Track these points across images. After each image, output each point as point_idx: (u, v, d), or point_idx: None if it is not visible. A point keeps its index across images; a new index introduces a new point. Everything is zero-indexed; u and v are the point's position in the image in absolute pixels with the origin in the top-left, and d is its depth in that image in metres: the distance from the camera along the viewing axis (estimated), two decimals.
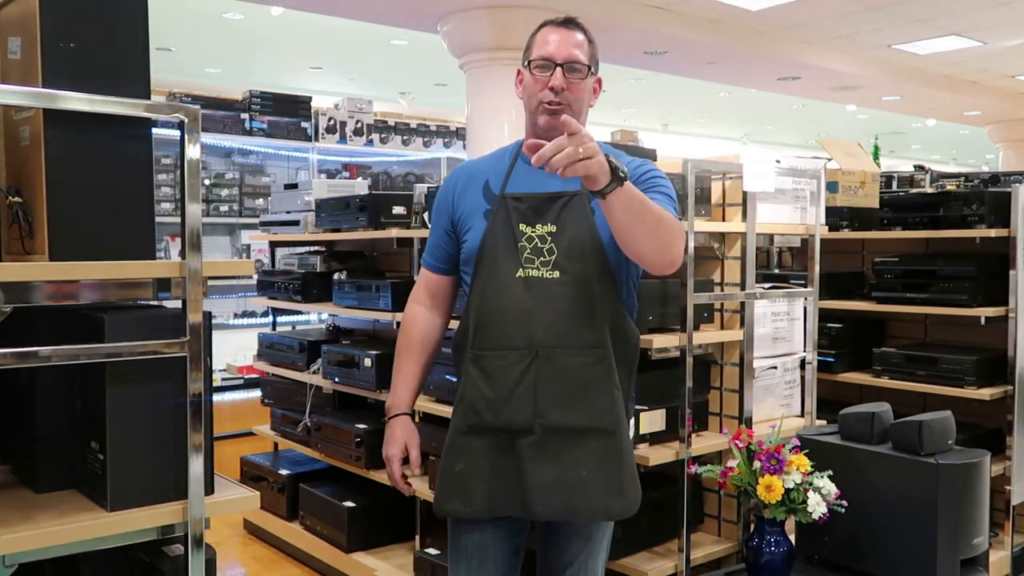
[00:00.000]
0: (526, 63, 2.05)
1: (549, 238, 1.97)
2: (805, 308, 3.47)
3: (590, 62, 2.03)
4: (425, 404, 3.32)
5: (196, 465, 1.77)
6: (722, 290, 3.19)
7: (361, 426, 3.64)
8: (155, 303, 1.87)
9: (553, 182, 1.92)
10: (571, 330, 1.94)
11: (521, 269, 1.97)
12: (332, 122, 6.95)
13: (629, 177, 1.74)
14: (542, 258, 1.97)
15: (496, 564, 2.05)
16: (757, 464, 2.69)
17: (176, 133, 1.75)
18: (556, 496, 1.91)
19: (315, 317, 5.94)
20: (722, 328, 3.20)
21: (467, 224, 2.06)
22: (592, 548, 2.08)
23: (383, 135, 7.29)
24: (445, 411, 3.10)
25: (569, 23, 2.05)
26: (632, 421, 2.08)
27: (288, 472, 4.20)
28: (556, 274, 1.95)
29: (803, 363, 3.46)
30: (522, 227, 1.98)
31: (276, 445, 4.53)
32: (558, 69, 1.98)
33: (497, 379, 1.94)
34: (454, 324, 2.15)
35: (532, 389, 1.92)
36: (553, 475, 1.91)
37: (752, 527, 2.87)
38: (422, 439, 2.17)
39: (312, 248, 4.48)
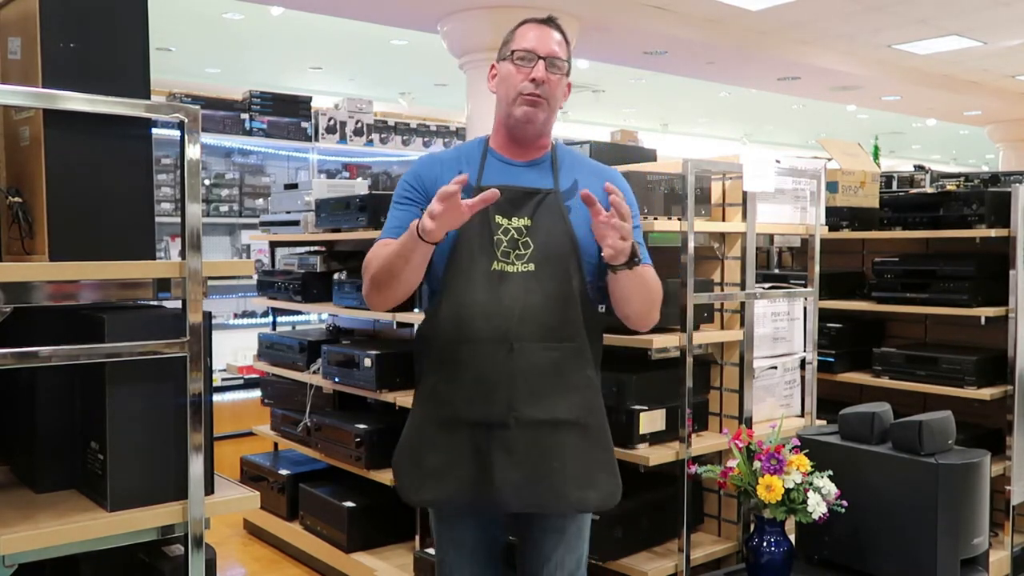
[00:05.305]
0: (507, 55, 2.06)
1: (525, 231, 1.98)
2: (805, 308, 3.47)
3: (568, 61, 2.07)
4: None
5: (196, 465, 1.78)
6: (722, 290, 3.19)
7: (361, 426, 3.64)
8: (155, 303, 1.87)
9: (527, 178, 2.05)
10: (546, 324, 1.94)
11: (496, 262, 1.96)
12: (332, 122, 6.94)
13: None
14: (517, 251, 1.97)
15: (475, 552, 2.10)
16: (757, 464, 2.69)
17: (176, 133, 1.75)
18: (528, 491, 1.93)
19: (315, 317, 5.94)
20: (722, 328, 3.20)
21: None
22: (567, 542, 2.07)
23: (383, 135, 7.28)
24: None
25: (550, 22, 2.06)
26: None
27: (288, 472, 4.20)
28: (531, 267, 1.96)
29: (803, 363, 3.46)
30: (499, 219, 1.98)
31: (276, 445, 4.53)
32: (540, 62, 2.00)
33: (472, 373, 1.94)
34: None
35: (507, 383, 1.92)
36: (526, 470, 1.92)
37: (752, 527, 2.87)
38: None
39: (312, 248, 4.49)
